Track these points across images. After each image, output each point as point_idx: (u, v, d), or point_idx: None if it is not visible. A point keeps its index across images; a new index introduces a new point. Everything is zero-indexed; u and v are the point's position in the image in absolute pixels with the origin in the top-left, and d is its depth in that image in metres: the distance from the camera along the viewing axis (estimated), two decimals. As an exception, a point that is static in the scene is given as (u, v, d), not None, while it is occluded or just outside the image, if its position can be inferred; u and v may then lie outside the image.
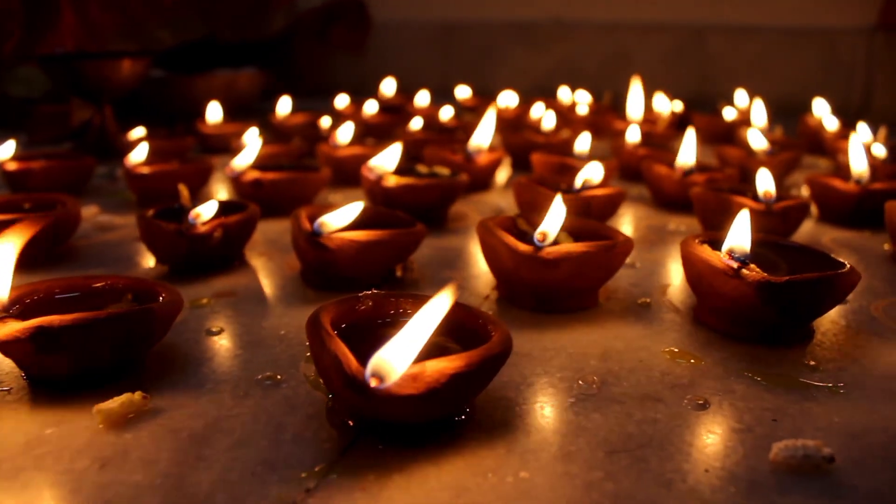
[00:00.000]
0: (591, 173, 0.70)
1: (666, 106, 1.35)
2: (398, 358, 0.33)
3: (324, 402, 0.40)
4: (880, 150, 0.92)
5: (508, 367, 0.43)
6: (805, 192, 0.88)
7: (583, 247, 0.50)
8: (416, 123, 1.10)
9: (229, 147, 1.04)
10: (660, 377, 0.43)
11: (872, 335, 0.50)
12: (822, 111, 1.28)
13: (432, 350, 0.40)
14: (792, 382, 0.43)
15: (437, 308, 0.36)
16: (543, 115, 1.13)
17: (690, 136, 0.82)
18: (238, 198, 0.77)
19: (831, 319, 0.53)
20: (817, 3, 1.58)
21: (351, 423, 0.37)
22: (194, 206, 0.60)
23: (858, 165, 0.77)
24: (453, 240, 0.70)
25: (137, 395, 0.39)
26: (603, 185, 0.73)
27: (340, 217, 0.55)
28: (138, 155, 0.80)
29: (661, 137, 1.12)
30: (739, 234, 0.50)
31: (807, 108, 1.38)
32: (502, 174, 1.01)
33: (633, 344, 0.48)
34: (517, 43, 1.83)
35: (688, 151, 0.81)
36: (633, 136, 1.00)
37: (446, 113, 1.26)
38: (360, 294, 0.42)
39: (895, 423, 0.39)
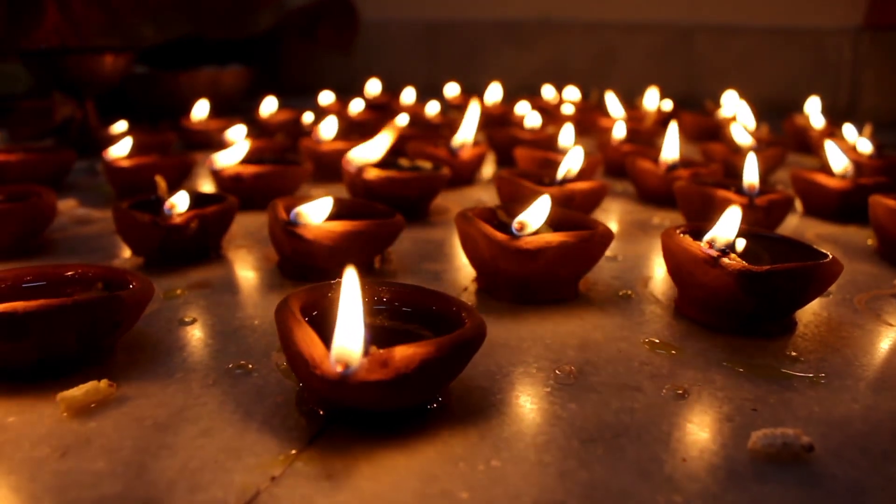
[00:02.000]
0: (572, 162, 0.69)
1: (654, 103, 1.34)
2: (353, 340, 0.32)
3: (294, 390, 0.39)
4: (866, 146, 0.92)
5: (484, 356, 0.43)
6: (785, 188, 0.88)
7: (561, 237, 0.49)
8: (402, 120, 1.09)
9: (212, 143, 1.03)
10: (638, 367, 0.43)
11: (855, 327, 0.50)
12: (813, 109, 1.28)
13: (404, 338, 0.39)
14: (773, 373, 0.43)
15: (351, 284, 0.35)
16: (527, 114, 1.12)
17: (673, 130, 0.81)
18: (219, 191, 0.76)
19: (813, 311, 0.52)
20: (804, 3, 1.58)
21: (321, 411, 0.36)
22: (171, 197, 0.59)
23: (838, 165, 0.77)
24: (434, 233, 0.69)
25: (103, 383, 0.38)
26: (586, 179, 0.72)
27: (317, 209, 0.54)
28: (118, 149, 0.79)
29: (647, 134, 1.12)
30: (726, 227, 0.49)
31: (794, 107, 1.38)
32: (487, 169, 1.00)
33: (613, 335, 0.47)
34: (504, 42, 1.82)
35: (671, 146, 0.80)
36: (618, 132, 0.99)
37: (432, 109, 1.25)
38: (334, 281, 0.41)
39: (875, 412, 0.38)
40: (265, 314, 0.50)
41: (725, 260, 0.45)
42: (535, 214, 0.52)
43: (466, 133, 0.86)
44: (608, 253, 0.61)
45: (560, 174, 0.68)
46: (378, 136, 0.71)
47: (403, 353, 0.33)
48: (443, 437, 0.35)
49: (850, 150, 0.92)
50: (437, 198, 0.78)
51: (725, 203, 0.65)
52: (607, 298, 0.54)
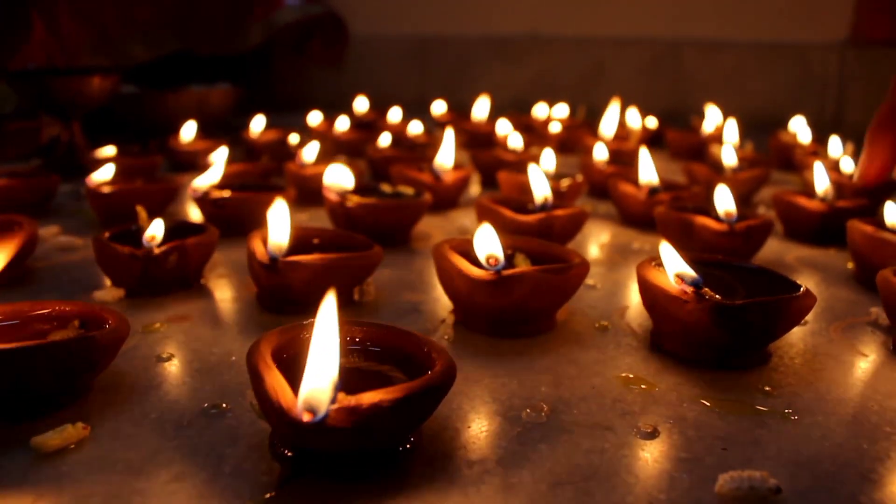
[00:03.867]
0: (542, 188, 0.69)
1: (638, 122, 1.35)
2: (323, 385, 0.33)
3: (267, 432, 0.39)
4: (848, 166, 0.92)
5: (458, 394, 0.43)
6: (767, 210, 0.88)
7: (536, 271, 0.50)
8: (385, 139, 1.09)
9: (200, 165, 1.03)
10: (611, 404, 0.43)
11: (829, 358, 0.50)
12: (799, 127, 1.29)
13: (374, 380, 0.39)
14: (745, 409, 0.43)
15: (329, 320, 0.35)
16: (510, 134, 1.12)
17: (646, 154, 0.82)
18: (202, 218, 0.76)
19: (789, 342, 0.52)
20: (790, 18, 1.59)
21: (289, 454, 0.36)
22: (151, 228, 0.59)
23: (822, 186, 0.77)
24: (416, 261, 0.69)
25: (77, 426, 0.38)
26: (567, 204, 0.73)
27: (279, 229, 0.55)
28: (101, 173, 0.79)
29: (632, 154, 1.12)
30: (674, 261, 0.49)
31: (780, 123, 1.39)
32: (473, 189, 1.01)
33: (587, 370, 0.47)
34: (493, 57, 1.83)
35: (648, 171, 0.81)
36: (600, 153, 1.00)
37: (416, 128, 1.25)
38: (307, 322, 0.41)
39: (844, 451, 0.39)
40: (243, 349, 0.49)
41: (699, 293, 0.46)
42: (493, 244, 0.52)
43: (446, 160, 0.86)
44: (587, 281, 0.61)
45: (537, 201, 0.69)
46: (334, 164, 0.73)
47: (371, 399, 0.33)
48: (413, 482, 0.35)
49: (833, 170, 0.92)
50: (420, 223, 0.78)
51: (704, 230, 0.65)
52: (584, 330, 0.54)
